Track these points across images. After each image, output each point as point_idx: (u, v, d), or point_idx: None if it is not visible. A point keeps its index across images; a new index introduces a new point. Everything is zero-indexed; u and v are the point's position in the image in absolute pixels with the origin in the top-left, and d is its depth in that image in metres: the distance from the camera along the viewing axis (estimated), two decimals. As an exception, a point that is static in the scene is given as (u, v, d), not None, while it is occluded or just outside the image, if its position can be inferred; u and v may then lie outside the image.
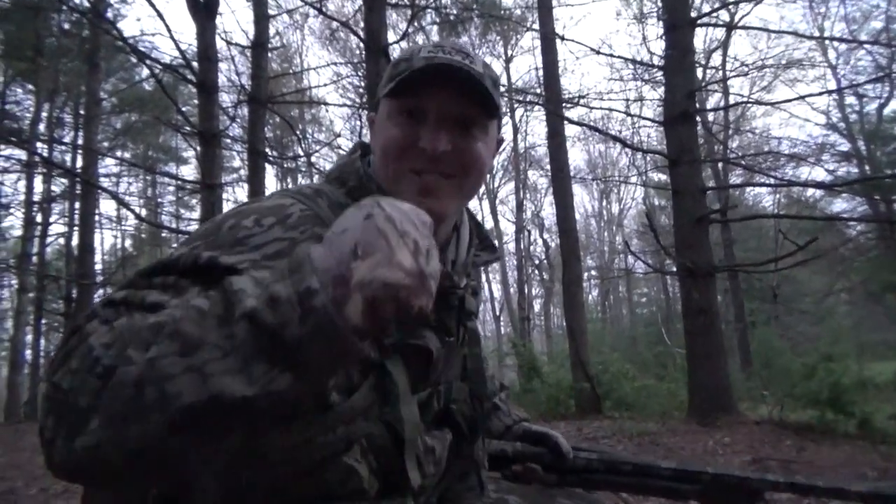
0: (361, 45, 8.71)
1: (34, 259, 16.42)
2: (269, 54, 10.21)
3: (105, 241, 24.41)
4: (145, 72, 13.80)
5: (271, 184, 23.30)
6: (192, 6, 7.68)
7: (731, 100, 16.87)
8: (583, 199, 32.73)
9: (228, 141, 11.11)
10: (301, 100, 15.80)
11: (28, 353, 16.44)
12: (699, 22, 9.20)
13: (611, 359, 11.60)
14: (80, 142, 15.28)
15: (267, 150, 10.11)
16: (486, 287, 27.55)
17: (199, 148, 8.26)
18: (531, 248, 25.59)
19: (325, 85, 21.23)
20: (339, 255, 0.60)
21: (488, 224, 25.39)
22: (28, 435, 8.32)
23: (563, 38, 11.28)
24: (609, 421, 8.46)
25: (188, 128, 9.15)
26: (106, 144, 18.26)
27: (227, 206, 10.56)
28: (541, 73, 12.42)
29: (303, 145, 13.55)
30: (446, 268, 0.98)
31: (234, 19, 51.43)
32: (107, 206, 22.58)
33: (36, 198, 16.97)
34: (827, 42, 18.58)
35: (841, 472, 5.18)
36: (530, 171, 25.17)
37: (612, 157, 28.84)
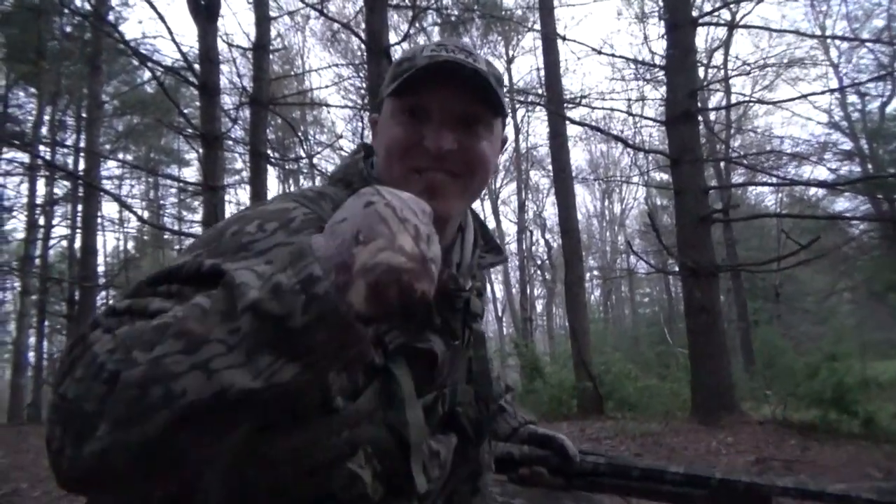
0: (363, 46, 8.72)
1: (37, 261, 16.44)
2: (271, 56, 10.21)
3: (107, 243, 24.35)
4: (147, 74, 13.83)
5: (273, 185, 23.38)
6: (193, 9, 7.69)
7: (733, 99, 16.87)
8: (585, 199, 32.73)
9: (230, 143, 11.14)
10: (303, 101, 15.84)
11: (31, 355, 16.47)
12: (701, 21, 9.19)
13: (613, 359, 11.60)
14: (82, 144, 15.31)
15: (269, 151, 10.11)
16: (488, 288, 27.48)
17: (201, 150, 8.27)
18: (533, 248, 25.57)
19: (327, 86, 21.25)
20: (341, 242, 0.61)
21: (490, 224, 25.31)
22: (31, 437, 8.33)
23: (564, 39, 11.27)
24: (612, 421, 8.45)
25: (190, 130, 9.18)
26: (108, 147, 18.30)
27: (229, 208, 10.58)
28: (542, 73, 12.44)
29: (304, 147, 13.56)
30: (451, 270, 0.98)
31: (236, 21, 51.52)
32: (109, 208, 22.66)
33: (38, 200, 17.00)
34: (829, 40, 18.53)
35: (844, 473, 5.17)
36: (532, 172, 25.18)
37: (613, 156, 28.87)
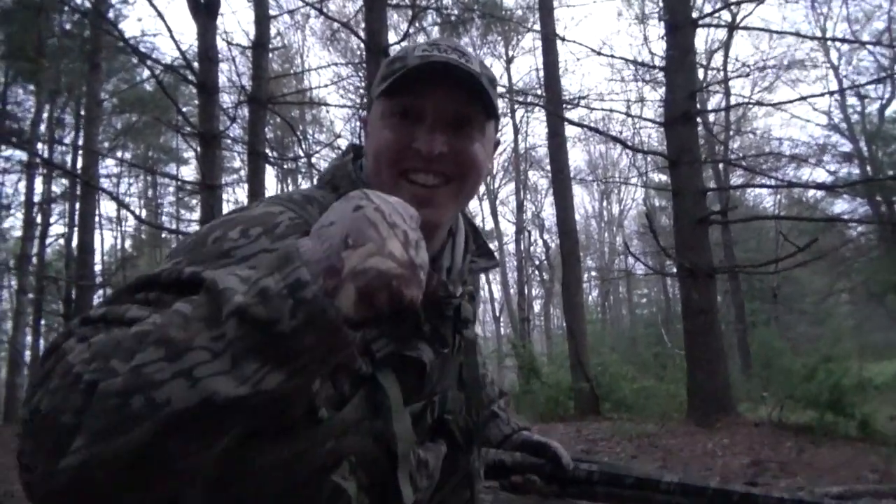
0: (362, 45, 8.71)
1: (34, 260, 16.40)
2: (270, 55, 10.20)
3: (105, 241, 24.36)
4: (146, 72, 13.80)
5: (271, 184, 23.36)
6: (193, 7, 7.68)
7: (732, 100, 16.87)
8: (583, 200, 32.74)
9: (229, 142, 11.11)
10: (302, 100, 15.82)
11: (27, 353, 16.44)
12: (701, 22, 9.20)
13: (610, 360, 11.61)
14: (80, 142, 15.26)
15: (267, 150, 10.10)
16: (485, 288, 27.55)
17: (199, 149, 8.25)
18: (531, 248, 25.58)
19: (326, 86, 21.14)
20: (329, 245, 0.60)
21: (488, 225, 25.41)
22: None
23: (563, 39, 11.30)
24: (608, 422, 8.45)
25: (188, 128, 9.15)
26: (106, 145, 18.27)
27: (226, 207, 10.56)
28: (541, 73, 12.44)
29: (303, 146, 13.53)
30: (440, 276, 0.96)
31: (235, 20, 51.43)
32: (107, 206, 22.60)
33: (36, 198, 16.96)
34: (829, 42, 18.57)
35: (840, 475, 5.17)
36: (531, 172, 25.18)
37: (612, 157, 28.88)
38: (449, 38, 1.07)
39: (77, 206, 15.47)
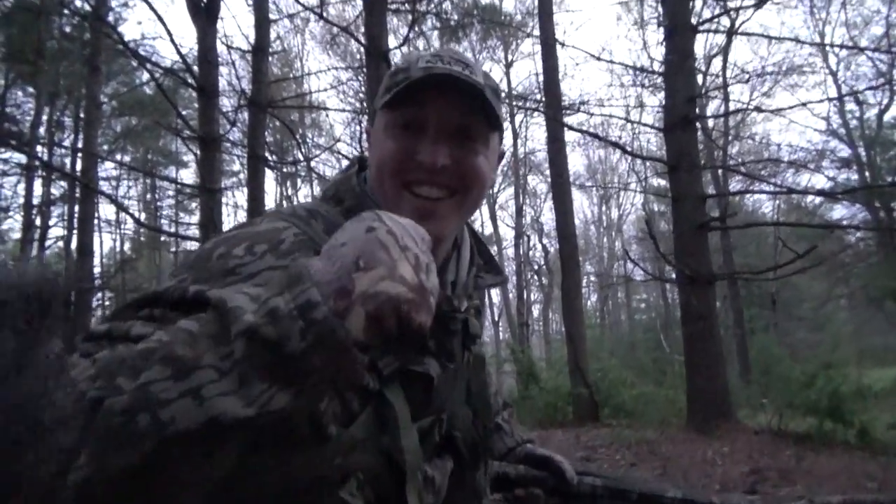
0: (362, 49, 8.71)
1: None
2: (270, 58, 10.21)
3: (104, 244, 24.30)
4: (146, 75, 13.84)
5: (271, 188, 23.38)
6: (193, 10, 7.68)
7: (732, 106, 16.89)
8: (582, 205, 32.78)
9: (228, 145, 11.09)
10: (301, 104, 15.83)
11: (26, 356, 16.39)
12: (700, 28, 9.21)
13: (609, 365, 11.60)
14: (79, 145, 15.27)
15: (267, 154, 10.10)
16: (485, 293, 27.53)
17: (198, 152, 8.25)
18: (530, 253, 25.62)
19: (326, 90, 21.31)
20: (340, 267, 0.60)
21: (488, 229, 25.43)
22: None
23: (563, 44, 11.31)
24: (607, 429, 8.43)
25: (188, 132, 9.16)
26: (106, 148, 18.28)
27: (226, 211, 10.55)
28: (541, 78, 12.45)
29: (303, 150, 13.56)
30: (445, 290, 0.95)
31: (235, 23, 51.43)
32: (106, 209, 22.61)
33: (35, 201, 16.94)
34: (827, 48, 18.62)
35: (839, 483, 5.16)
36: (530, 177, 25.26)
37: (611, 162, 28.94)
38: (452, 48, 1.07)
39: (76, 208, 15.46)
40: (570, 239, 10.82)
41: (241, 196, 22.01)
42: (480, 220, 26.10)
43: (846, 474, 5.49)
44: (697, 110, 9.38)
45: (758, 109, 13.22)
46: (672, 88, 8.63)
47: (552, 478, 1.21)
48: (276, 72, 17.57)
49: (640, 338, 23.48)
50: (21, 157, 15.61)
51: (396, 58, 6.07)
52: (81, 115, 15.54)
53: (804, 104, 11.62)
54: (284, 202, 22.30)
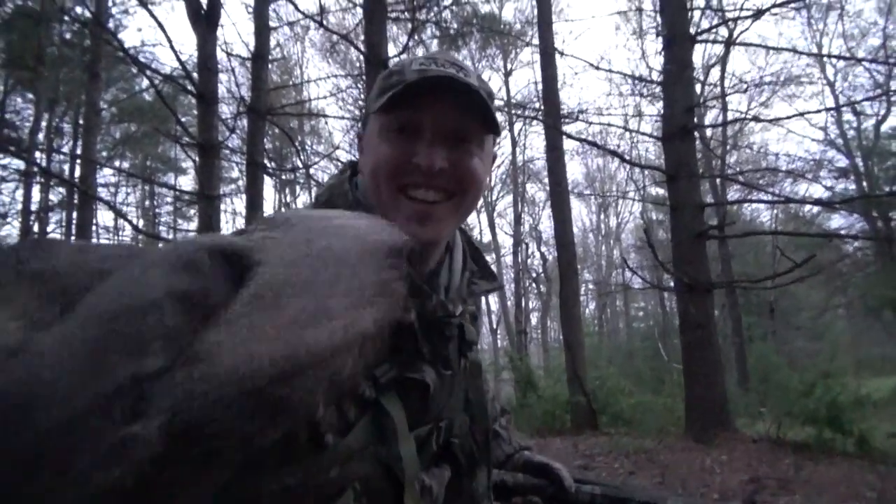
0: (361, 57, 8.73)
1: (30, 268, 16.33)
2: (270, 66, 10.22)
3: (102, 250, 24.19)
4: (145, 82, 13.83)
5: (269, 195, 23.36)
6: (193, 17, 7.69)
7: (730, 116, 16.95)
8: (581, 213, 32.90)
9: (227, 152, 11.11)
10: (300, 112, 15.83)
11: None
12: (699, 38, 9.24)
13: (607, 373, 11.58)
14: (78, 151, 15.27)
15: (266, 161, 10.10)
16: (483, 300, 27.49)
17: (197, 159, 8.22)
18: (529, 261, 25.63)
19: (325, 97, 21.21)
20: None
21: (486, 237, 25.43)
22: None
23: (562, 53, 11.34)
24: (605, 437, 8.41)
25: (187, 138, 9.13)
26: (104, 154, 18.29)
27: (224, 218, 10.52)
28: (540, 86, 12.49)
29: (301, 157, 13.55)
30: (439, 296, 0.93)
31: (235, 31, 51.54)
32: (104, 216, 22.59)
33: (33, 207, 16.94)
34: (825, 59, 18.72)
35: (839, 493, 5.14)
36: (528, 185, 25.29)
37: (610, 170, 29.02)
38: (446, 51, 1.06)
39: (74, 215, 15.46)
40: (568, 247, 10.82)
41: (240, 203, 22.06)
42: (479, 227, 26.14)
43: (845, 483, 5.48)
44: (696, 120, 9.39)
45: (756, 119, 13.22)
46: (670, 98, 8.66)
47: (551, 486, 1.20)
48: (275, 79, 17.64)
49: (639, 346, 23.44)
50: (20, 164, 15.61)
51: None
52: (80, 122, 15.57)
53: (802, 114, 11.60)
54: (282, 209, 22.29)
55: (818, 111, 18.87)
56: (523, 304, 23.39)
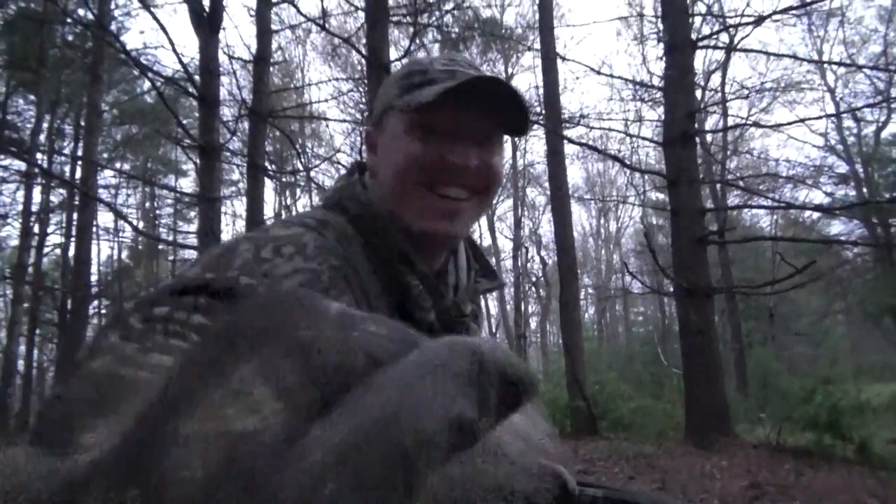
0: (363, 61, 8.75)
1: (30, 269, 16.37)
2: (271, 69, 10.24)
3: (102, 252, 24.27)
4: (147, 84, 13.90)
5: (270, 198, 23.37)
6: (195, 20, 7.71)
7: (730, 121, 16.98)
8: (581, 217, 32.88)
9: (228, 154, 11.13)
10: (302, 114, 15.87)
11: (21, 363, 16.33)
12: (700, 44, 9.26)
13: (607, 378, 11.55)
14: (79, 153, 15.28)
15: (266, 164, 10.11)
16: (482, 303, 27.49)
17: (198, 161, 8.25)
18: (528, 265, 25.61)
19: (326, 100, 21.34)
20: None
21: (486, 241, 25.43)
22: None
23: (563, 58, 11.36)
24: (605, 442, 8.40)
25: (188, 141, 9.15)
26: (105, 156, 18.30)
27: (225, 220, 10.54)
28: (541, 91, 12.49)
29: (302, 160, 13.58)
30: (447, 293, 0.93)
31: (237, 34, 51.75)
32: (105, 217, 22.59)
33: (34, 208, 16.95)
34: (825, 65, 18.75)
35: (840, 500, 5.13)
36: (529, 189, 25.28)
37: (610, 175, 29.05)
38: (456, 53, 1.06)
39: (75, 216, 15.46)
40: (568, 251, 10.82)
41: (241, 205, 22.09)
42: (479, 231, 26.14)
43: (846, 490, 5.47)
44: (696, 125, 9.41)
45: (756, 125, 13.28)
46: (671, 104, 8.67)
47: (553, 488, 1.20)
48: (276, 82, 17.65)
49: (638, 351, 23.39)
50: (21, 165, 15.65)
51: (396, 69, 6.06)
52: (82, 123, 15.59)
53: (802, 120, 11.69)
54: (283, 212, 22.31)
55: (819, 117, 18.91)
56: (523, 307, 23.39)
